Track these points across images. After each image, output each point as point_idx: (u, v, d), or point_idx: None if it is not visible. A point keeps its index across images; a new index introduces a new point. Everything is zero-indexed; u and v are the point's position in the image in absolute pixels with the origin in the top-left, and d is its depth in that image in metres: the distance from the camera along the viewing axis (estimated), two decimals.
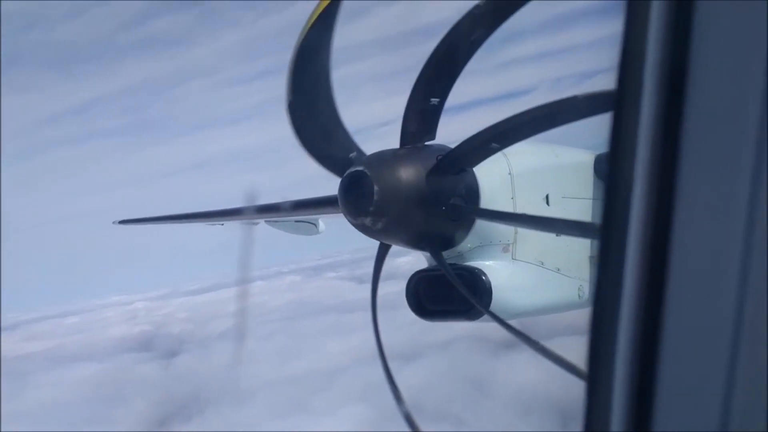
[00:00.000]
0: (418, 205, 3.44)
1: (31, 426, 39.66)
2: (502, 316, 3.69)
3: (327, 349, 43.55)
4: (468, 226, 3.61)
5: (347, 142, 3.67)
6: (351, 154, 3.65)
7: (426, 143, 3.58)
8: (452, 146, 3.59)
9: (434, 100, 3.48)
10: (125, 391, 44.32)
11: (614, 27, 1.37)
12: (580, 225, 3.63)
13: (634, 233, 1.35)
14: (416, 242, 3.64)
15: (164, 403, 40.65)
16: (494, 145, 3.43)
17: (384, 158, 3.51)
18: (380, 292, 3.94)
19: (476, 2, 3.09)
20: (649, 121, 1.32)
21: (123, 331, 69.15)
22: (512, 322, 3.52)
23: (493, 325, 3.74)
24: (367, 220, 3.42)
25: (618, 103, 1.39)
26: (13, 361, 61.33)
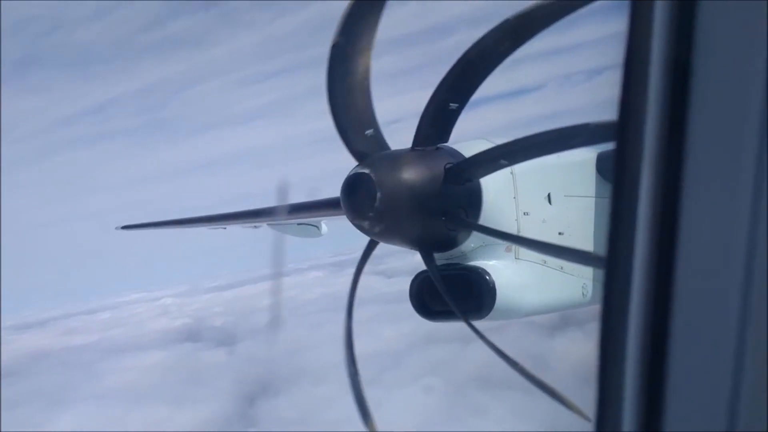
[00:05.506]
0: (420, 214, 3.45)
1: (133, 401, 44.04)
2: (506, 315, 3.77)
3: (382, 334, 44.56)
4: (468, 230, 3.62)
5: (369, 116, 3.60)
6: (368, 131, 3.58)
7: (438, 146, 3.57)
8: (460, 146, 3.60)
9: (453, 105, 3.50)
10: (203, 375, 47.18)
11: (623, 24, 1.38)
12: (578, 253, 3.58)
13: (642, 234, 1.35)
14: (414, 245, 3.65)
15: (246, 384, 43.90)
16: (503, 161, 3.46)
17: (390, 161, 3.47)
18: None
19: (507, 17, 3.13)
20: (654, 118, 1.33)
21: (164, 325, 71.30)
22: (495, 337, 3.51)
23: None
24: (366, 223, 3.43)
25: (624, 101, 1.40)
26: (63, 352, 64.21)
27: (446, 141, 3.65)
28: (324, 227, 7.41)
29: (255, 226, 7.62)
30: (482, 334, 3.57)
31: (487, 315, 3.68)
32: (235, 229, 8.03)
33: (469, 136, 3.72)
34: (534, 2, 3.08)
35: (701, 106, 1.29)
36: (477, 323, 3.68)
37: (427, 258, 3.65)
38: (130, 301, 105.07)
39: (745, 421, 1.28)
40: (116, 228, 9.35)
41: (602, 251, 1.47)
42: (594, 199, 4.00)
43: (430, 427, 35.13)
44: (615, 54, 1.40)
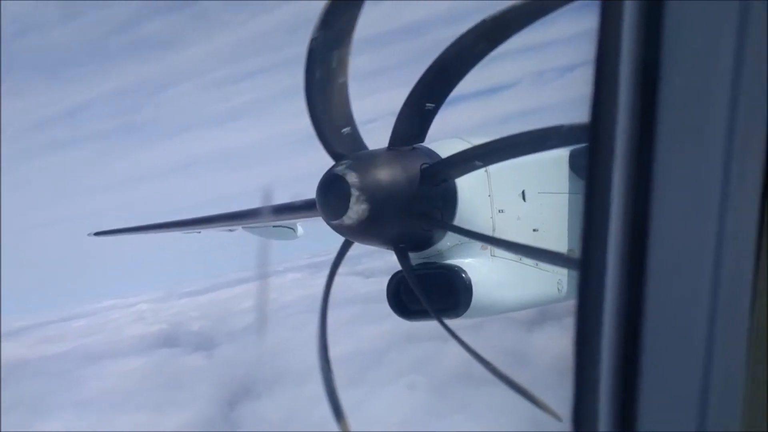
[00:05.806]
0: (396, 215, 3.45)
1: (114, 407, 43.60)
2: (483, 312, 3.78)
3: (363, 334, 44.79)
4: (444, 230, 3.64)
5: (347, 114, 3.56)
6: (344, 129, 3.55)
7: (414, 146, 3.57)
8: (436, 145, 3.61)
9: (429, 106, 3.50)
10: (183, 379, 46.81)
11: (593, 23, 1.39)
12: (552, 254, 3.61)
13: (614, 230, 1.36)
14: (390, 245, 3.66)
15: (226, 387, 43.98)
16: (478, 162, 3.47)
17: (366, 162, 3.44)
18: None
19: (484, 18, 3.14)
20: (625, 116, 1.34)
21: (140, 331, 70.08)
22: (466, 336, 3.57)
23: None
24: (342, 224, 3.41)
25: (595, 99, 1.41)
26: (42, 361, 63.34)
27: (422, 141, 3.64)
28: (300, 229, 7.41)
29: (230, 230, 7.59)
30: (455, 333, 3.59)
31: (464, 313, 3.69)
32: (210, 233, 7.96)
33: (443, 134, 3.73)
34: (510, 3, 3.09)
35: (670, 103, 1.31)
36: (454, 321, 3.70)
37: (402, 258, 3.66)
38: (106, 308, 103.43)
39: (716, 421, 1.30)
40: (88, 234, 9.25)
41: (576, 249, 1.49)
42: (567, 195, 4.04)
43: (412, 425, 35.15)
44: (586, 52, 1.42)
